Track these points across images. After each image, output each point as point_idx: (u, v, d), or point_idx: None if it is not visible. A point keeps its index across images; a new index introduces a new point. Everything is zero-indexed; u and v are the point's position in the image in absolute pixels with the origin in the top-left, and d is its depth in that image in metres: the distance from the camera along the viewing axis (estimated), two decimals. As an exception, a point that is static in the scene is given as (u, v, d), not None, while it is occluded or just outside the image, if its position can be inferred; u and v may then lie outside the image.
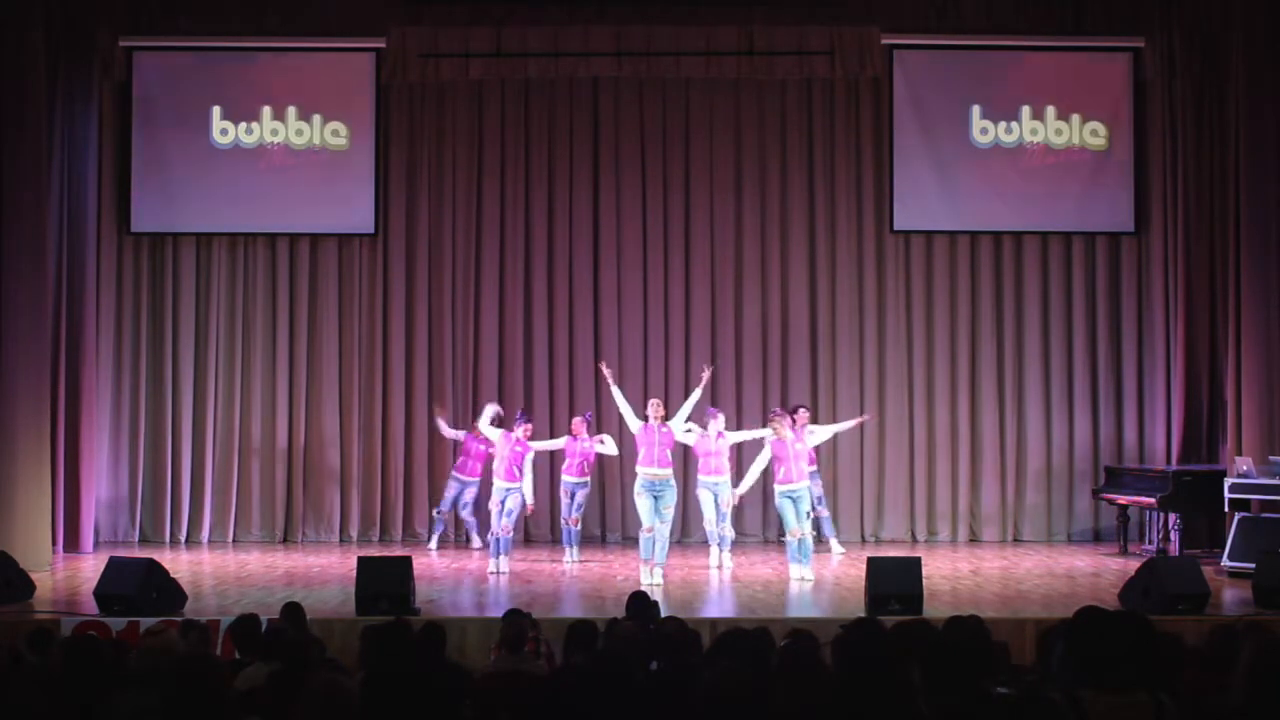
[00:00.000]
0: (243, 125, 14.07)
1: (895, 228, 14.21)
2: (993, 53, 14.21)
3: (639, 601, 7.63)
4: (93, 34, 13.33)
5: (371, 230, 14.14)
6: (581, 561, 12.24)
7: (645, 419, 11.27)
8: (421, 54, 13.76)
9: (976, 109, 14.13)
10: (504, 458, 11.80)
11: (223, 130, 14.04)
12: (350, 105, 14.11)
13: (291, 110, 14.09)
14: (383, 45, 13.85)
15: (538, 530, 13.85)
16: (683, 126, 14.27)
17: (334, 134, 14.10)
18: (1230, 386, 12.77)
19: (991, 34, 14.09)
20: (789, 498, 11.11)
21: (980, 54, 14.22)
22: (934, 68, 14.22)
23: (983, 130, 14.13)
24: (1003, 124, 14.13)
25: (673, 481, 11.13)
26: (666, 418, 11.27)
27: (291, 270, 14.22)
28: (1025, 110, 14.12)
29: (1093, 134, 14.12)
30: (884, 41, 13.87)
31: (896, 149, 14.11)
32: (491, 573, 11.50)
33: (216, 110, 14.04)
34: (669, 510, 11.05)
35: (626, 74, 14.07)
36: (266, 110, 14.08)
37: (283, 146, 14.09)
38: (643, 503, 11.07)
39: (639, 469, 11.19)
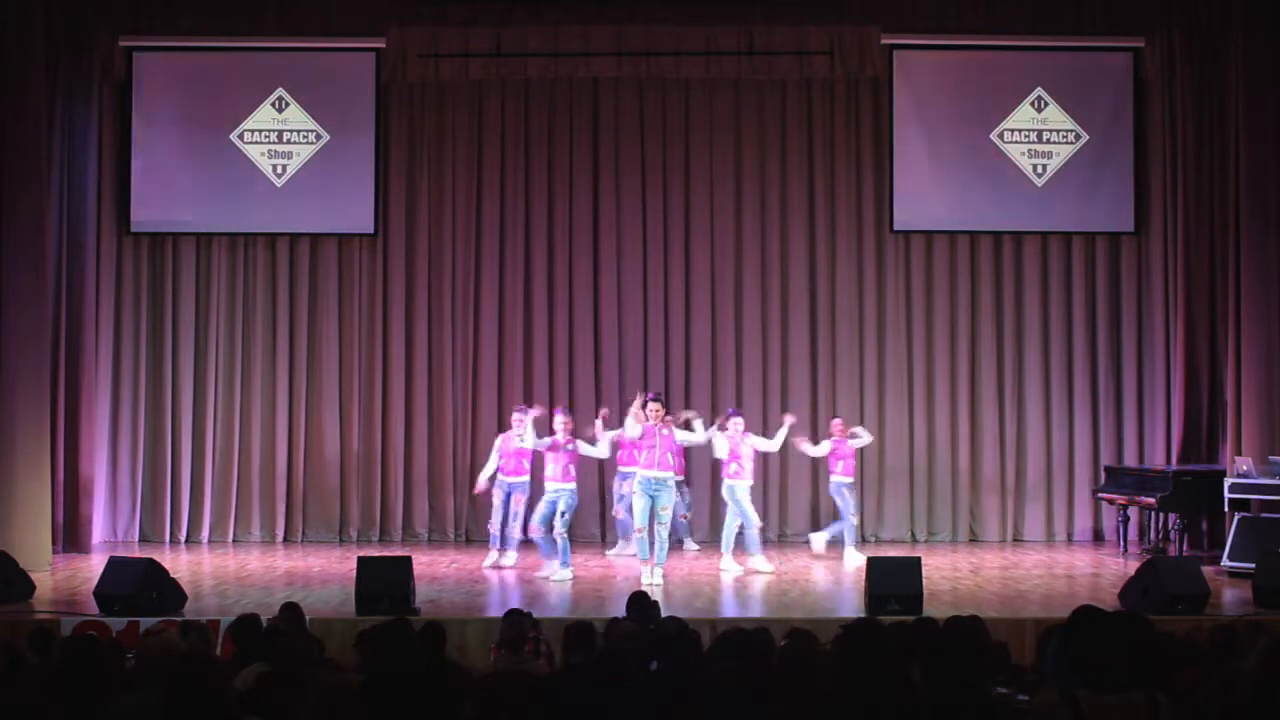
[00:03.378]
0: (242, 125, 14.07)
1: (895, 228, 14.21)
2: (992, 53, 14.21)
3: (639, 601, 7.62)
4: (93, 34, 13.34)
5: (371, 230, 14.14)
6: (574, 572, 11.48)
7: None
8: (421, 54, 13.76)
9: (976, 109, 14.13)
10: (558, 457, 11.48)
11: (222, 130, 14.04)
12: (350, 105, 14.11)
13: (291, 110, 14.09)
14: (383, 45, 13.86)
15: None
16: (683, 126, 14.27)
17: (334, 134, 14.09)
18: (1230, 386, 12.77)
19: (991, 34, 14.08)
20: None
21: (980, 54, 14.22)
22: (934, 67, 14.22)
23: (982, 130, 14.13)
24: (1002, 123, 14.13)
25: (671, 483, 11.06)
26: (668, 413, 11.17)
27: (291, 270, 14.22)
28: (1025, 110, 14.13)
29: (1092, 134, 14.12)
30: (884, 41, 13.87)
31: (896, 149, 14.12)
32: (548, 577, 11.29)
33: (216, 110, 14.04)
34: (666, 511, 10.96)
35: (626, 74, 14.07)
36: (266, 110, 14.09)
37: (282, 146, 14.09)
38: (639, 503, 11.01)
39: (638, 470, 11.14)
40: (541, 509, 11.42)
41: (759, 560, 11.70)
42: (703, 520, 13.66)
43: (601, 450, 11.74)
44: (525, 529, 11.73)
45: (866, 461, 14.07)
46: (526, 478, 12.02)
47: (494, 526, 12.14)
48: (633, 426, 10.96)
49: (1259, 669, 4.37)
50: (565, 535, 11.31)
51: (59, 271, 12.87)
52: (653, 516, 10.92)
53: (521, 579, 11.35)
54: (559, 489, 11.33)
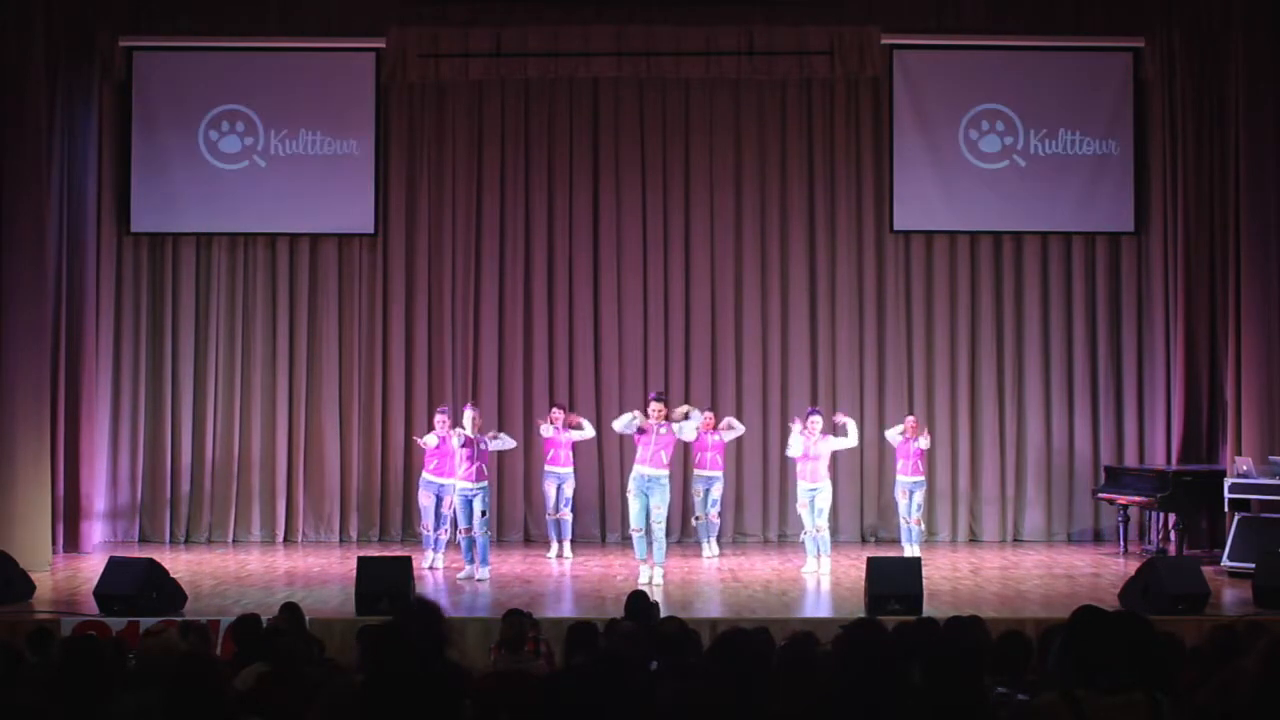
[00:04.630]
0: (243, 125, 14.07)
1: (895, 228, 14.21)
2: (992, 53, 14.21)
3: (638, 601, 7.61)
4: (93, 34, 13.34)
5: (371, 230, 14.14)
6: (483, 580, 11.20)
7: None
8: (421, 54, 13.76)
9: (976, 109, 14.13)
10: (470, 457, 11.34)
11: (223, 130, 14.05)
12: (350, 105, 14.11)
13: (291, 110, 14.09)
14: (383, 45, 13.85)
15: (538, 529, 13.84)
16: (683, 126, 14.27)
17: (334, 134, 14.09)
18: (1230, 386, 12.77)
19: (991, 34, 14.08)
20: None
21: (980, 54, 14.22)
22: (934, 68, 14.22)
23: (983, 130, 14.14)
24: (1002, 124, 14.14)
25: (665, 481, 10.97)
26: (668, 416, 11.09)
27: (291, 270, 14.22)
28: (1025, 110, 14.13)
29: (1092, 134, 14.12)
30: (884, 41, 13.87)
31: (896, 149, 14.12)
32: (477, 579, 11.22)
33: (216, 110, 14.04)
34: (660, 510, 10.91)
35: (626, 74, 14.07)
36: (266, 110, 14.09)
37: (283, 146, 14.09)
38: (633, 502, 10.98)
39: (635, 467, 11.05)
40: (459, 510, 11.31)
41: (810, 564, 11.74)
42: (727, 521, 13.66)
43: (507, 442, 11.82)
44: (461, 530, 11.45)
45: (867, 461, 14.08)
46: (454, 480, 11.86)
47: (426, 528, 12.10)
48: (625, 414, 11.14)
49: (1259, 669, 4.36)
50: (485, 534, 11.26)
51: (59, 271, 12.86)
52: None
53: (521, 579, 11.35)
54: (471, 489, 11.22)
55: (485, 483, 11.34)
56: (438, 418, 11.99)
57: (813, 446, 11.70)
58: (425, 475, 12.04)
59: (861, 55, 13.79)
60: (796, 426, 11.81)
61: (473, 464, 11.23)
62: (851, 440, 11.98)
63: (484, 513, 11.24)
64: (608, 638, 6.40)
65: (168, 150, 13.99)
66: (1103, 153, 14.13)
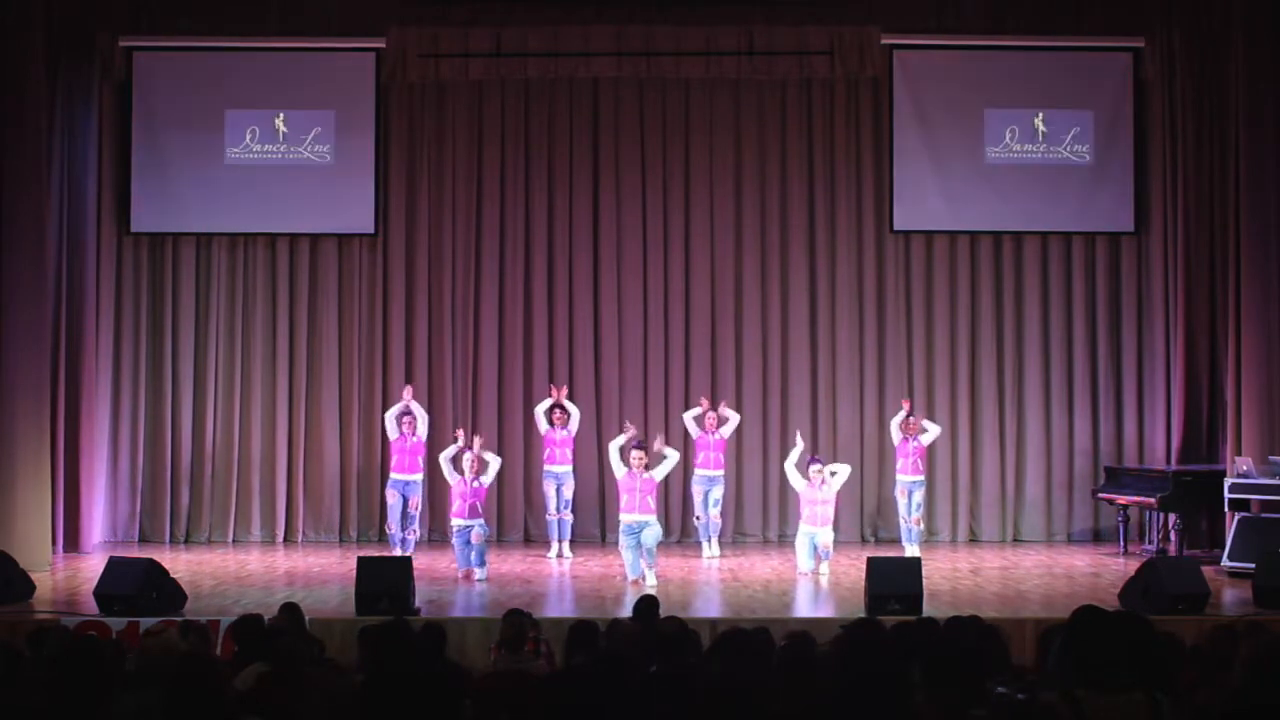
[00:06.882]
0: (242, 125, 14.07)
1: (895, 228, 14.21)
2: (992, 53, 14.21)
3: (645, 605, 7.59)
4: (93, 34, 13.35)
5: (371, 230, 14.14)
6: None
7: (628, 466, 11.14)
8: (421, 54, 13.76)
9: (976, 109, 14.13)
10: (465, 494, 11.34)
11: (222, 130, 14.04)
12: (350, 105, 14.11)
13: (291, 110, 14.09)
14: (383, 45, 13.85)
15: (538, 530, 13.84)
16: (683, 126, 14.27)
17: (334, 134, 14.09)
18: (1230, 386, 12.76)
19: (991, 34, 14.09)
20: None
21: (980, 54, 14.22)
22: (934, 68, 14.21)
23: (982, 130, 14.13)
24: (1002, 123, 14.14)
25: (654, 521, 11.00)
26: (649, 466, 11.11)
27: (291, 270, 14.22)
28: (1025, 110, 14.13)
29: (1092, 134, 14.11)
30: (884, 41, 13.86)
31: (896, 149, 14.11)
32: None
33: (216, 110, 14.04)
34: (653, 544, 10.90)
35: (626, 74, 14.07)
36: (266, 110, 14.09)
37: (283, 146, 14.10)
38: (626, 554, 10.99)
39: (621, 515, 11.11)
40: (458, 549, 11.29)
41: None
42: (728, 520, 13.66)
43: (493, 467, 11.72)
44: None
45: (867, 461, 14.08)
46: (421, 475, 12.18)
47: (392, 527, 12.28)
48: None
49: (1246, 670, 4.37)
50: (485, 541, 11.34)
51: (59, 271, 12.87)
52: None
53: (521, 579, 11.35)
54: (466, 524, 11.22)
55: (480, 518, 11.31)
56: (405, 416, 12.27)
57: (820, 492, 11.58)
58: (392, 474, 12.31)
59: (861, 55, 13.79)
60: (799, 459, 11.79)
61: (466, 501, 11.26)
62: (845, 474, 11.96)
63: (485, 541, 11.35)
64: (609, 637, 6.40)
65: (168, 150, 13.99)
66: (1103, 153, 14.12)
